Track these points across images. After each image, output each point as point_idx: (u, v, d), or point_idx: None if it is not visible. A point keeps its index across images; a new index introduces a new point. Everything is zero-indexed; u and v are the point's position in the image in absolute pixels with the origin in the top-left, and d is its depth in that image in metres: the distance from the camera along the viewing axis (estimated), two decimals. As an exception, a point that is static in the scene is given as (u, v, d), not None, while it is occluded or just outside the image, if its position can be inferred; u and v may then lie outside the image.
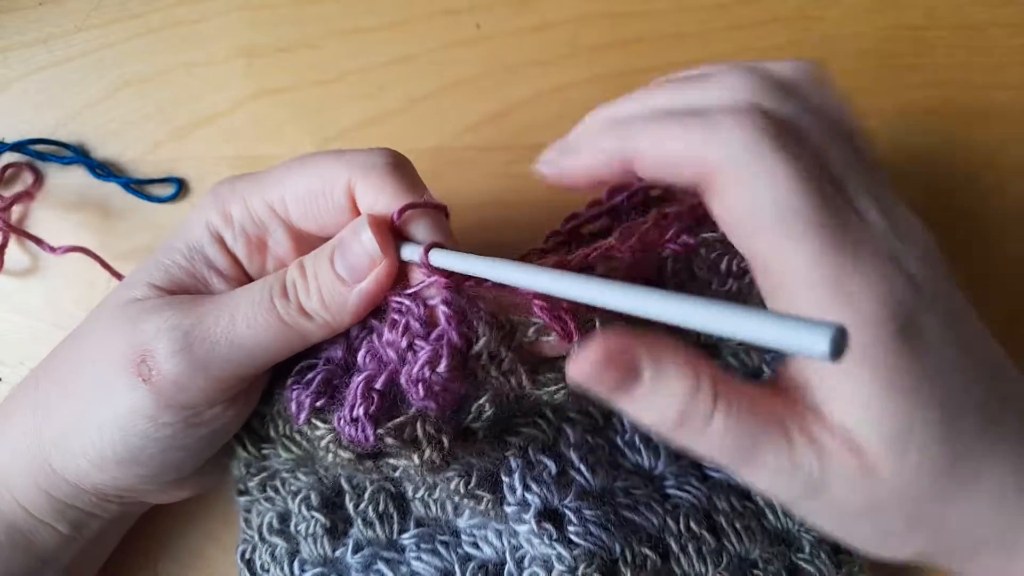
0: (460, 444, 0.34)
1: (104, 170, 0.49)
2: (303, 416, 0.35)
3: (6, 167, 0.49)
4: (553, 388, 0.35)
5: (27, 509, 0.37)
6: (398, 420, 0.33)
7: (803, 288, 0.28)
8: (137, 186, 0.49)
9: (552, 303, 0.33)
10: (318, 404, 0.35)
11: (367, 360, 0.35)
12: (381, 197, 0.34)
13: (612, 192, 0.41)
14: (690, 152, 0.29)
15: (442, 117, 0.50)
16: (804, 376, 0.30)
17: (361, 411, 0.33)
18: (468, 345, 0.33)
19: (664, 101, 0.32)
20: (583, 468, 0.37)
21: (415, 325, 0.34)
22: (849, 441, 0.29)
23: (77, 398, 0.35)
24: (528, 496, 0.36)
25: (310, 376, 0.36)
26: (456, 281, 0.33)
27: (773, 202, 0.28)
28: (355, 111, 0.50)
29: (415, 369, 0.33)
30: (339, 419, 0.34)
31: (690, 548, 0.37)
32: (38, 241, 0.47)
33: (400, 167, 0.35)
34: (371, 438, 0.33)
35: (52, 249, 0.47)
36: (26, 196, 0.48)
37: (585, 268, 0.35)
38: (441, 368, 0.33)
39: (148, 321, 0.34)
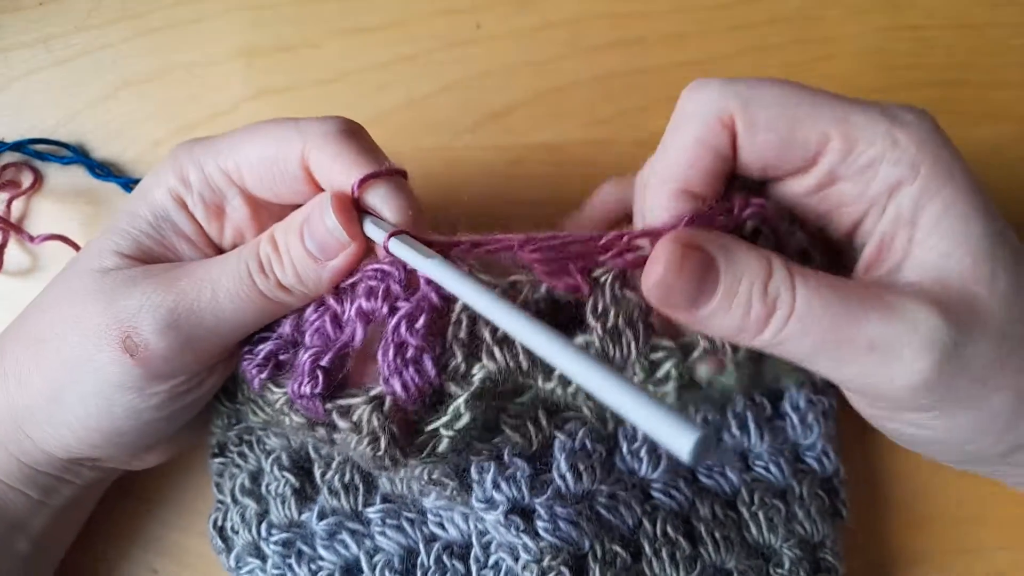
0: (415, 452, 0.34)
1: (104, 170, 0.49)
2: (256, 383, 0.35)
3: (6, 166, 0.49)
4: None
5: None
6: (349, 401, 0.33)
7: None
8: (137, 186, 0.49)
9: (553, 257, 0.32)
10: (263, 376, 0.35)
11: (314, 337, 0.35)
12: (336, 166, 0.34)
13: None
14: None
15: (442, 117, 0.49)
16: (875, 250, 0.31)
17: (308, 389, 0.34)
18: (448, 312, 0.33)
19: None
20: (568, 475, 0.37)
21: (395, 288, 0.33)
22: (944, 283, 0.29)
23: (55, 370, 0.35)
24: (497, 496, 0.36)
25: (259, 348, 0.36)
26: (440, 247, 0.33)
27: None
28: (355, 111, 0.49)
29: (390, 328, 0.33)
30: (291, 390, 0.34)
31: (663, 552, 0.37)
32: (18, 230, 0.47)
33: (354, 134, 0.35)
34: (321, 412, 0.34)
35: (31, 239, 0.47)
36: (10, 184, 0.48)
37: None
38: (419, 324, 0.32)
39: (129, 296, 0.34)
